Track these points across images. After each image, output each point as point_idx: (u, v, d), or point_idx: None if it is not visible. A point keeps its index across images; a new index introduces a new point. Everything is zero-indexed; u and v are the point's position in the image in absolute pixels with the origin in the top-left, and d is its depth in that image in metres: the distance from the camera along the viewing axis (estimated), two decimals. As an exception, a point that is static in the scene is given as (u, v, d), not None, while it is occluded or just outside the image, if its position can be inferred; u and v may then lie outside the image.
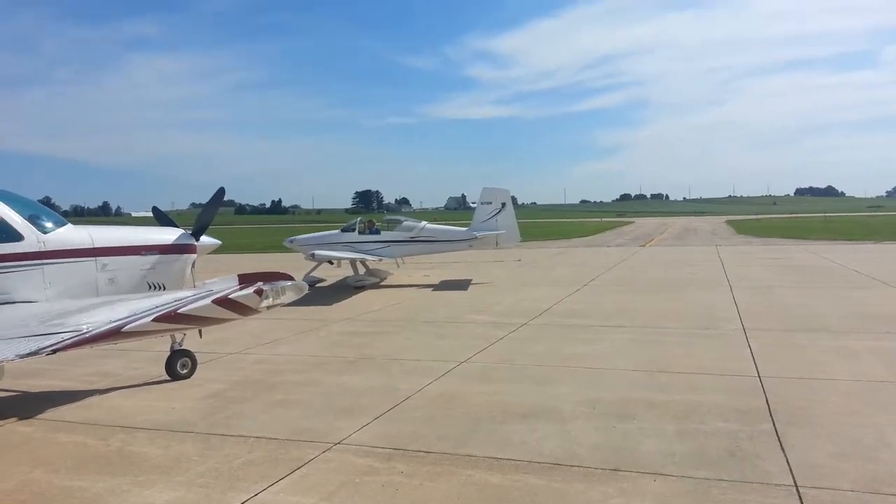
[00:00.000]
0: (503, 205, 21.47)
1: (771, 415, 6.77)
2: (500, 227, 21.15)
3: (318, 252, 19.53)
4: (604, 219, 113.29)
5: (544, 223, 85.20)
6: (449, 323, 13.39)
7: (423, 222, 22.07)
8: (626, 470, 5.47)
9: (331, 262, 20.58)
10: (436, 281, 21.47)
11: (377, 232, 21.30)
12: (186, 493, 5.27)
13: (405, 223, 21.84)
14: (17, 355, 4.01)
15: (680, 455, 5.78)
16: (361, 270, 21.44)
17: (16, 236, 7.10)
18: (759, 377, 8.30)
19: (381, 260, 21.11)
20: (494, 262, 28.46)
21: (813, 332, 11.35)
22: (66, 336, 4.18)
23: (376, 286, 20.51)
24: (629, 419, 6.80)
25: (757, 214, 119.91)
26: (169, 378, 8.89)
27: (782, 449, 5.82)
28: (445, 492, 5.15)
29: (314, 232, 24.25)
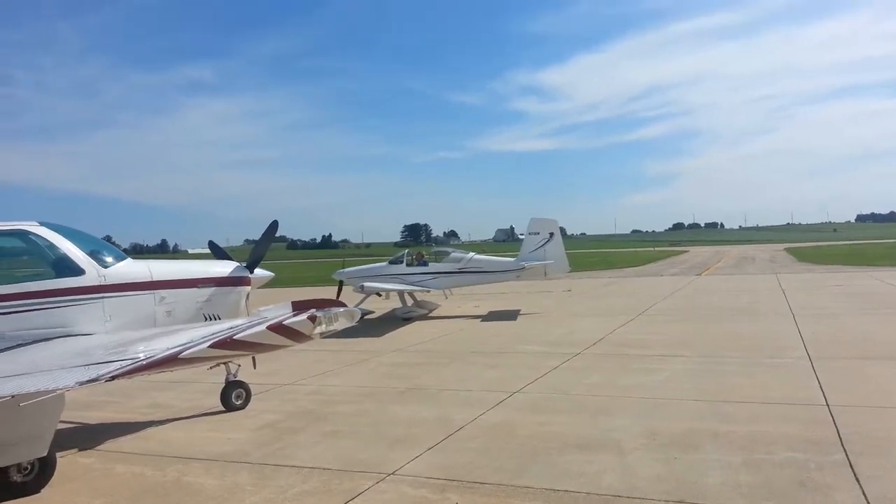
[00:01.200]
0: (551, 234, 21.34)
1: (843, 444, 6.42)
2: (548, 258, 21.00)
3: (367, 284, 19.67)
4: (657, 248, 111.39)
5: (594, 253, 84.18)
6: (500, 353, 13.23)
7: (471, 253, 22.10)
8: (691, 502, 5.24)
9: (379, 294, 20.67)
10: (485, 311, 21.34)
11: (425, 264, 21.40)
12: (241, 523, 5.24)
13: (453, 254, 21.91)
14: (77, 382, 4.09)
15: (747, 486, 5.51)
16: (409, 302, 21.49)
17: (78, 270, 7.31)
18: (828, 406, 7.91)
19: (429, 291, 21.18)
20: (544, 292, 28.18)
21: (882, 360, 10.82)
22: (124, 363, 4.25)
23: (424, 318, 20.49)
24: (692, 450, 6.54)
25: (817, 241, 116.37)
26: (224, 409, 8.97)
27: (857, 479, 5.50)
28: (501, 524, 5.00)
29: (362, 265, 24.45)
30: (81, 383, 4.07)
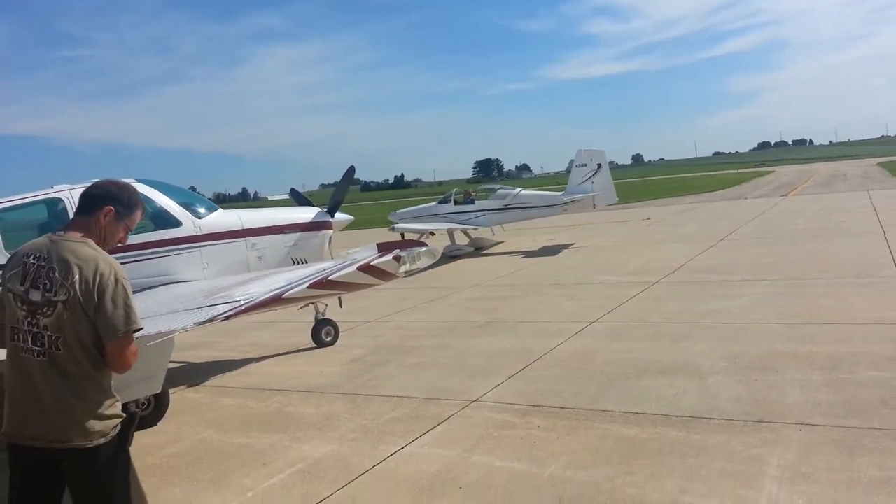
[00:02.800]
0: (599, 166, 21.01)
1: (932, 363, 6.33)
2: (595, 189, 20.75)
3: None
4: (740, 170, 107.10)
5: (673, 179, 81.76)
6: (577, 285, 13.35)
7: (518, 189, 22.28)
8: (770, 421, 5.34)
9: (431, 234, 21.05)
10: (561, 243, 21.35)
11: (472, 202, 21.63)
12: (340, 446, 5.71)
13: (499, 191, 22.11)
14: (195, 323, 4.52)
15: (827, 405, 5.56)
16: (460, 241, 21.98)
17: (175, 222, 7.83)
18: (918, 325, 7.73)
19: (477, 229, 21.63)
20: (621, 222, 27.83)
21: (983, 275, 10.36)
22: (234, 304, 4.65)
23: (473, 255, 20.81)
24: (772, 372, 6.59)
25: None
26: (315, 346, 9.54)
27: (944, 397, 5.46)
28: (583, 444, 5.26)
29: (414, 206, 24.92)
30: (199, 323, 4.49)
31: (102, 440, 2.86)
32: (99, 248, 2.96)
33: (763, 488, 4.28)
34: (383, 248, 5.76)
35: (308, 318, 9.89)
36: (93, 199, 3.04)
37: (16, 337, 2.87)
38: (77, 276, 2.80)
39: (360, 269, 4.95)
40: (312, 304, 9.23)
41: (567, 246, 20.78)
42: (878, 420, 5.14)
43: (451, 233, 21.62)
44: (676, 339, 8.20)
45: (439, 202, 22.57)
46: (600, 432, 5.48)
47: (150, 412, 6.72)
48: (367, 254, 5.68)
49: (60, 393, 2.80)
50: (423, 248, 5.73)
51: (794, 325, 8.35)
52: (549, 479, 4.69)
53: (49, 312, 2.81)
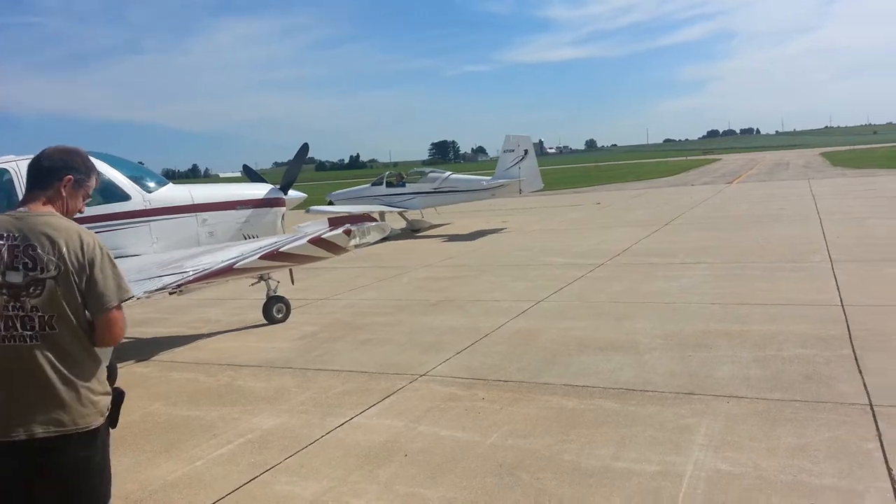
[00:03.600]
0: (525, 152, 21.53)
1: (851, 341, 6.75)
2: (522, 174, 21.27)
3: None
4: (689, 157, 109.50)
5: (625, 165, 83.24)
6: (526, 266, 13.64)
7: (448, 173, 22.75)
8: (700, 394, 5.66)
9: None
10: (513, 227, 21.67)
11: (403, 184, 21.94)
12: (290, 418, 5.83)
13: (430, 174, 22.51)
14: (145, 292, 4.57)
15: (755, 379, 5.91)
16: (400, 223, 22.37)
17: (124, 196, 7.79)
18: (843, 306, 8.20)
19: (406, 211, 22.16)
20: (572, 206, 28.32)
21: (905, 261, 10.97)
22: (185, 274, 4.70)
23: (410, 237, 21.07)
24: (705, 348, 6.93)
25: (855, 145, 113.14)
26: (266, 322, 9.58)
27: (860, 371, 5.86)
28: (525, 415, 5.49)
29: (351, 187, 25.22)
30: (149, 292, 4.55)
31: (101, 420, 2.76)
32: (70, 220, 2.85)
33: (691, 455, 4.57)
34: (334, 223, 5.87)
35: (260, 296, 9.91)
36: (49, 172, 2.87)
37: None
38: (65, 249, 2.67)
39: (310, 241, 5.07)
40: (264, 280, 9.27)
41: (520, 229, 21.10)
42: (800, 393, 5.50)
43: (381, 215, 21.81)
44: (618, 318, 8.51)
45: (372, 184, 22.95)
46: (541, 404, 5.72)
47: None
48: (319, 227, 5.78)
49: (62, 373, 2.66)
50: (373, 223, 5.87)
51: (729, 305, 8.76)
52: (490, 447, 4.91)
53: (37, 292, 2.64)
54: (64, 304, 2.65)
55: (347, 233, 5.36)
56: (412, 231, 22.05)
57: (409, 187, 21.91)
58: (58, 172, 2.86)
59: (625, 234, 17.19)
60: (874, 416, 4.93)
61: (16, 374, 2.61)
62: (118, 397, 2.89)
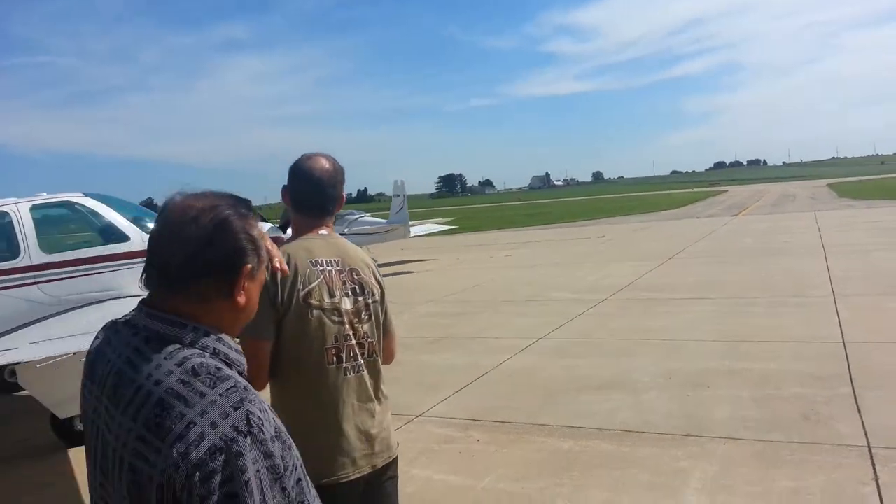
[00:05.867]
0: (405, 198, 22.09)
1: (851, 379, 6.68)
2: (407, 218, 21.84)
3: None
4: (695, 189, 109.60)
5: (631, 197, 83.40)
6: (529, 301, 13.61)
7: (358, 215, 22.95)
8: (697, 435, 5.61)
9: None
10: (517, 261, 21.66)
11: None
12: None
13: (346, 216, 22.45)
14: None
15: (753, 420, 5.84)
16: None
17: (123, 237, 7.83)
18: (844, 343, 8.12)
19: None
20: (578, 239, 28.32)
21: (909, 295, 10.89)
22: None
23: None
24: (704, 388, 6.87)
25: (862, 176, 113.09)
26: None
27: (858, 411, 5.79)
28: (519, 457, 5.44)
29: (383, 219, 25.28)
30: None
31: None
32: None
33: (684, 500, 4.51)
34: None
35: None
36: (334, 197, 2.68)
37: (335, 359, 2.48)
38: (376, 272, 2.65)
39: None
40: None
41: (524, 263, 21.10)
42: (798, 434, 5.44)
43: None
44: (619, 356, 8.46)
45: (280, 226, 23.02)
46: (537, 446, 5.67)
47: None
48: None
49: (380, 398, 2.61)
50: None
51: (730, 342, 8.69)
52: (482, 492, 4.86)
53: (367, 318, 2.56)
54: (378, 328, 2.60)
55: None
56: None
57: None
58: (338, 196, 2.72)
59: (629, 268, 17.14)
60: (871, 458, 4.86)
61: (347, 405, 2.50)
62: None
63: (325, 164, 2.65)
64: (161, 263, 1.43)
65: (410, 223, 23.13)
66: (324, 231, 2.62)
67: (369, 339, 2.55)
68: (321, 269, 2.50)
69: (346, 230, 21.34)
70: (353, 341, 2.51)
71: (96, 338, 1.54)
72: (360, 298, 2.54)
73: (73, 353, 5.03)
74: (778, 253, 18.26)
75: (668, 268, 17.04)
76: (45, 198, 7.85)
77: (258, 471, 1.27)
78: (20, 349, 5.79)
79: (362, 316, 2.55)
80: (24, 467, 6.40)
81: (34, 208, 7.46)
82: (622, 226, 36.42)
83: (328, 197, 2.64)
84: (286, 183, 2.70)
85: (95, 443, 1.43)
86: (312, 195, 2.63)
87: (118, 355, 1.42)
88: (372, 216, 24.28)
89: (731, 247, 21.18)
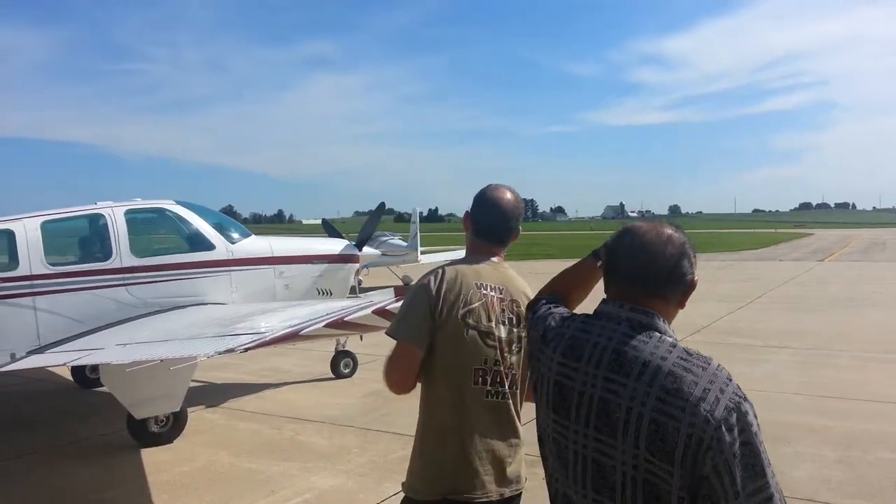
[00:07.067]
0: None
1: (948, 449, 6.24)
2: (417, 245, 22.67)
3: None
4: (779, 230, 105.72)
5: (711, 234, 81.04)
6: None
7: (388, 237, 23.41)
8: (775, 494, 5.31)
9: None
10: (588, 300, 21.27)
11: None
12: (347, 480, 5.82)
13: (377, 237, 22.23)
14: (216, 352, 4.74)
15: (836, 482, 5.52)
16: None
17: (209, 245, 8.11)
18: (940, 408, 7.61)
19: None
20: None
21: None
22: (254, 336, 4.89)
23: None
24: (785, 443, 6.54)
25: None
26: (333, 376, 9.69)
27: (956, 486, 5.38)
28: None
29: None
30: (220, 352, 4.71)
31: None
32: None
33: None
34: (399, 293, 5.94)
35: (328, 349, 10.06)
36: (514, 229, 2.72)
37: (480, 380, 2.52)
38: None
39: (375, 311, 5.13)
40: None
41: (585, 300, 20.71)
42: (883, 502, 5.10)
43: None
44: (692, 401, 8.15)
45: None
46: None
47: (167, 429, 6.92)
48: (384, 297, 5.87)
49: (518, 429, 2.61)
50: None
51: (813, 396, 8.27)
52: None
53: (517, 349, 2.56)
54: (526, 363, 2.53)
55: None
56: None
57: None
58: (516, 230, 2.74)
59: (707, 309, 16.57)
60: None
61: (478, 427, 2.52)
62: None
63: (509, 197, 2.71)
64: (643, 272, 1.82)
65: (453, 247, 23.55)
66: (495, 259, 2.67)
67: (513, 371, 2.56)
68: (484, 292, 2.56)
69: (377, 248, 21.80)
70: (501, 368, 2.54)
71: (563, 326, 1.95)
72: (515, 330, 2.57)
73: (161, 360, 5.20)
74: (866, 304, 17.36)
75: (748, 311, 16.42)
76: (139, 203, 8.21)
77: (758, 424, 1.64)
78: (107, 350, 6.02)
79: (513, 347, 2.57)
80: (97, 466, 6.62)
81: (128, 213, 7.80)
82: (701, 263, 34.92)
83: (508, 229, 2.70)
84: (468, 209, 2.74)
85: (579, 402, 1.78)
86: (493, 226, 2.70)
87: (608, 338, 1.79)
88: (399, 239, 24.83)
89: (815, 294, 20.26)
